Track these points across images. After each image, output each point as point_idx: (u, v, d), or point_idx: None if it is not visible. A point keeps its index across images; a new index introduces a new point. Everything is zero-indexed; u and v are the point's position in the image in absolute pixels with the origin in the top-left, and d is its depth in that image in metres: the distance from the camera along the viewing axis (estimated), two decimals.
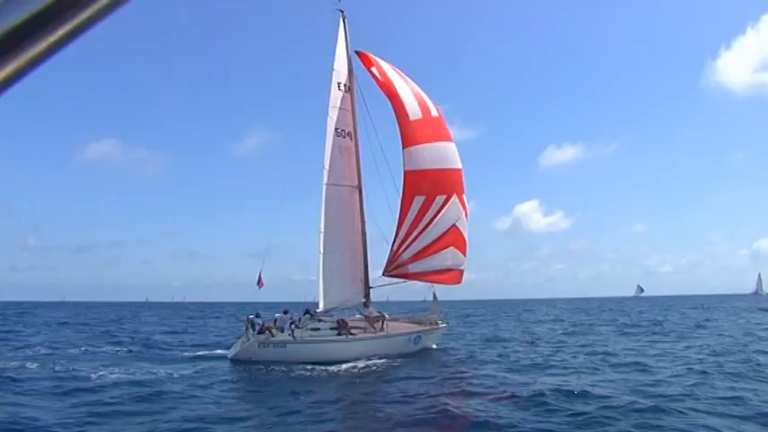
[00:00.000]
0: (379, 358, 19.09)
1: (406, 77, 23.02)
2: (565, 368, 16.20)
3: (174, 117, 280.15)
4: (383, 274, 21.83)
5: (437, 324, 22.58)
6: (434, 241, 21.82)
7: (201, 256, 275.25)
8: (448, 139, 22.64)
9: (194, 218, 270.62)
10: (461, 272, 22.77)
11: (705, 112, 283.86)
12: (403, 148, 21.59)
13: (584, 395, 11.51)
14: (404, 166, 21.56)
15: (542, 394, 11.52)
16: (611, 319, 45.46)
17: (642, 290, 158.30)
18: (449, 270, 22.30)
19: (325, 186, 21.26)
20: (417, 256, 21.66)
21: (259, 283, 20.75)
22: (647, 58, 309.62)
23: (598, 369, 15.94)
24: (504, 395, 11.81)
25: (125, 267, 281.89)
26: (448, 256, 22.18)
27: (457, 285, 22.92)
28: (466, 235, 22.64)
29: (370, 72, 22.68)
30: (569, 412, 10.15)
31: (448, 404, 11.14)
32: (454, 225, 22.13)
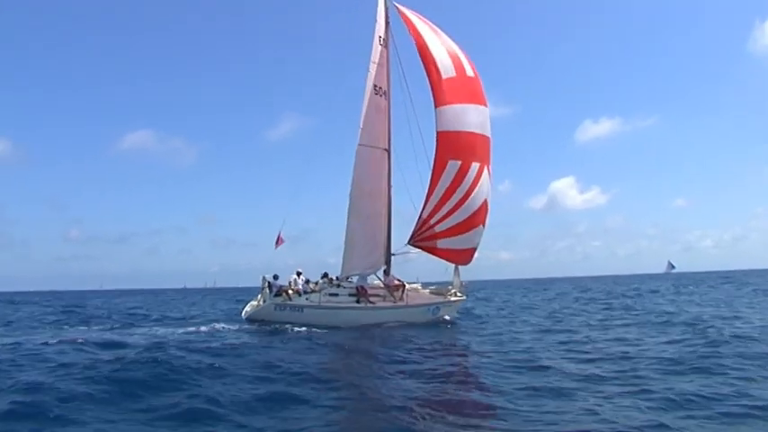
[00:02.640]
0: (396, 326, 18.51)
1: (442, 34, 21.25)
2: None
3: (208, 106, 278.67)
4: (408, 243, 20.90)
5: (457, 296, 21.81)
6: (470, 217, 20.38)
7: (238, 242, 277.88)
8: (482, 102, 20.89)
9: (230, 205, 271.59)
10: (475, 251, 21.36)
11: (752, 79, 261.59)
12: (435, 107, 20.15)
13: None
14: (436, 126, 20.18)
15: None
16: None
17: (673, 266, 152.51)
18: (467, 250, 21.03)
19: (357, 147, 20.20)
20: (450, 232, 20.38)
21: (277, 242, 19.92)
22: (690, 23, 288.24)
23: None
24: None
25: (163, 256, 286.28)
26: (475, 235, 20.87)
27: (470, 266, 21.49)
28: None
29: (407, 22, 21.08)
30: None
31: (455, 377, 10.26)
32: (486, 200, 20.80)
